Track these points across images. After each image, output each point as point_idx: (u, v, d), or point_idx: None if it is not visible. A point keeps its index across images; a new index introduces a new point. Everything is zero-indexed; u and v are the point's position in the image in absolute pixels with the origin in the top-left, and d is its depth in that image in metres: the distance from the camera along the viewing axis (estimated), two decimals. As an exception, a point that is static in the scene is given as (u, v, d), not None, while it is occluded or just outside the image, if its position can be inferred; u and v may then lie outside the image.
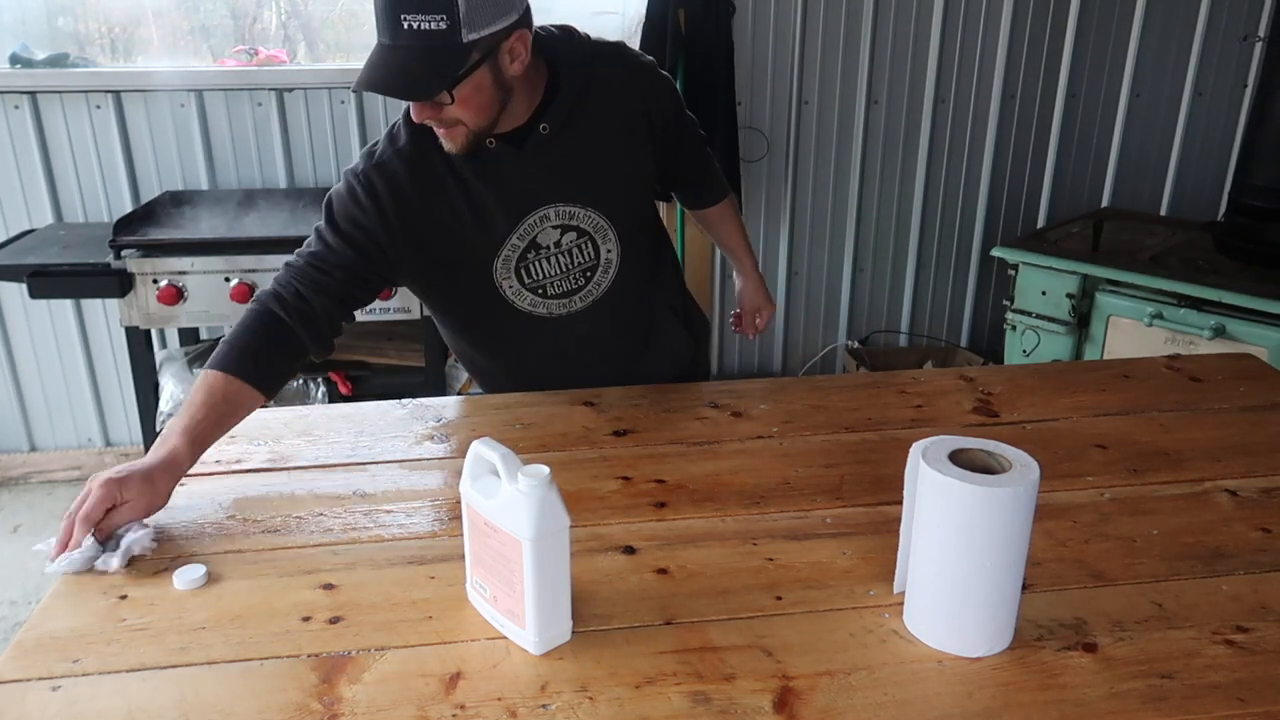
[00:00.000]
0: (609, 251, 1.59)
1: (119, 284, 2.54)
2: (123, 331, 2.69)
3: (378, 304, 2.65)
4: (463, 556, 1.09)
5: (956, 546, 0.98)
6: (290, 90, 3.10)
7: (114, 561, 1.16)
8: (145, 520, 1.22)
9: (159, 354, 2.94)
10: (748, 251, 1.92)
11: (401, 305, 2.66)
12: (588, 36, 1.57)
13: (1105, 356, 2.69)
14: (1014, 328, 2.89)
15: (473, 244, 1.53)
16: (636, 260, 1.64)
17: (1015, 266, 2.85)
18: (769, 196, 3.42)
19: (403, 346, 2.92)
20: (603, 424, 1.53)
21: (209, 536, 1.23)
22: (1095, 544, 1.20)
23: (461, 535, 1.08)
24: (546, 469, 0.98)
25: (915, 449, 1.03)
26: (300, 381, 2.82)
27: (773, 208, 3.44)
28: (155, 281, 2.57)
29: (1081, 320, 2.75)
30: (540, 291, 1.58)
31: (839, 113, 3.37)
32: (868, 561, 1.16)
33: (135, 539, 1.18)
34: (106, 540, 1.18)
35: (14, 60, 3.02)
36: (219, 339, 2.97)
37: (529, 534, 0.97)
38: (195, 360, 2.83)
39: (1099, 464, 1.40)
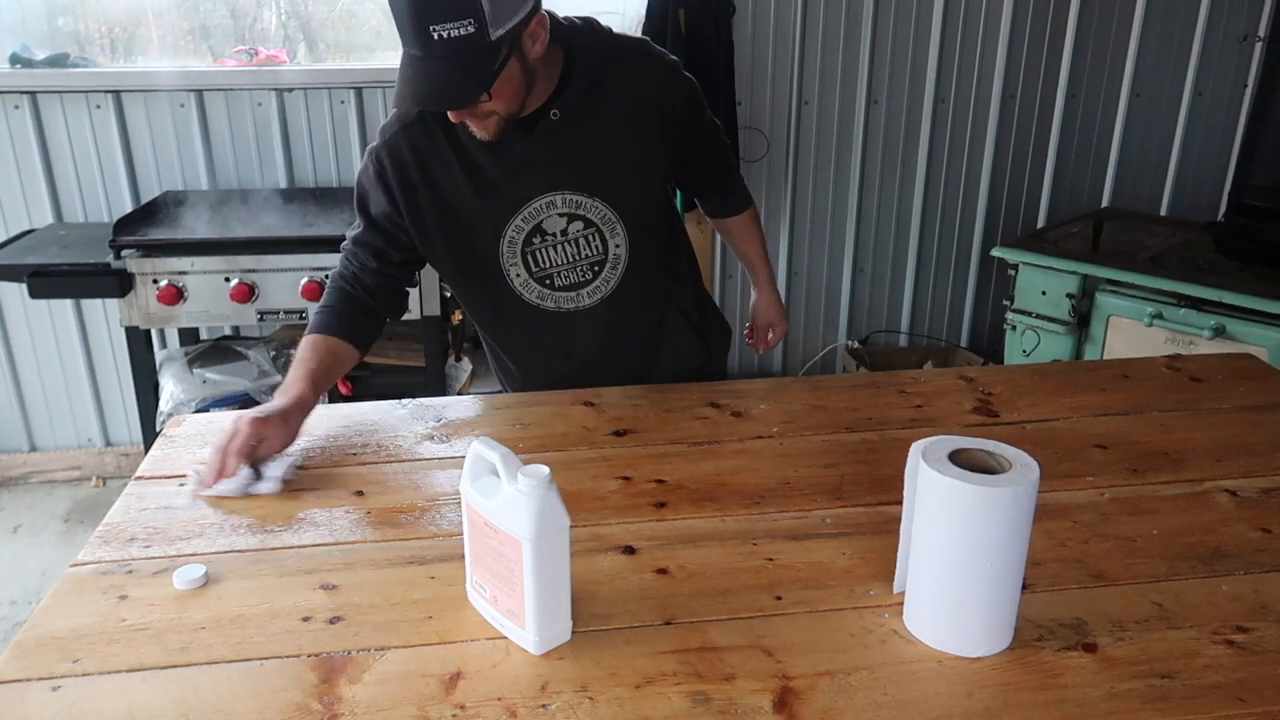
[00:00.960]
0: (617, 246, 1.59)
1: (119, 284, 2.54)
2: (123, 331, 2.69)
3: (378, 304, 2.65)
4: (463, 556, 1.09)
5: (956, 546, 0.98)
6: (290, 90, 3.10)
7: (266, 486, 1.32)
8: (285, 452, 1.40)
9: (159, 354, 2.93)
10: (765, 266, 1.92)
11: (401, 305, 2.66)
12: (609, 30, 1.58)
13: (1105, 356, 2.69)
14: (1014, 328, 2.89)
15: (476, 222, 1.55)
16: (647, 259, 1.63)
17: (1015, 266, 2.85)
18: (769, 196, 3.42)
19: (403, 346, 2.92)
20: (603, 424, 1.53)
21: (209, 536, 1.23)
22: (1095, 544, 1.20)
23: (461, 535, 1.08)
24: (546, 469, 0.98)
25: (915, 449, 1.03)
26: (300, 381, 2.81)
27: (773, 208, 3.44)
28: (155, 281, 2.57)
29: (1081, 320, 2.75)
30: (548, 282, 1.59)
31: (839, 113, 3.37)
32: (868, 561, 1.16)
33: (285, 467, 1.36)
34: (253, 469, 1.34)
35: (14, 60, 3.02)
36: (219, 339, 3.00)
37: (529, 534, 0.97)
38: (195, 360, 2.83)
39: (1099, 464, 1.40)
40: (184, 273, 2.58)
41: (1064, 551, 1.18)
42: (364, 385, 2.84)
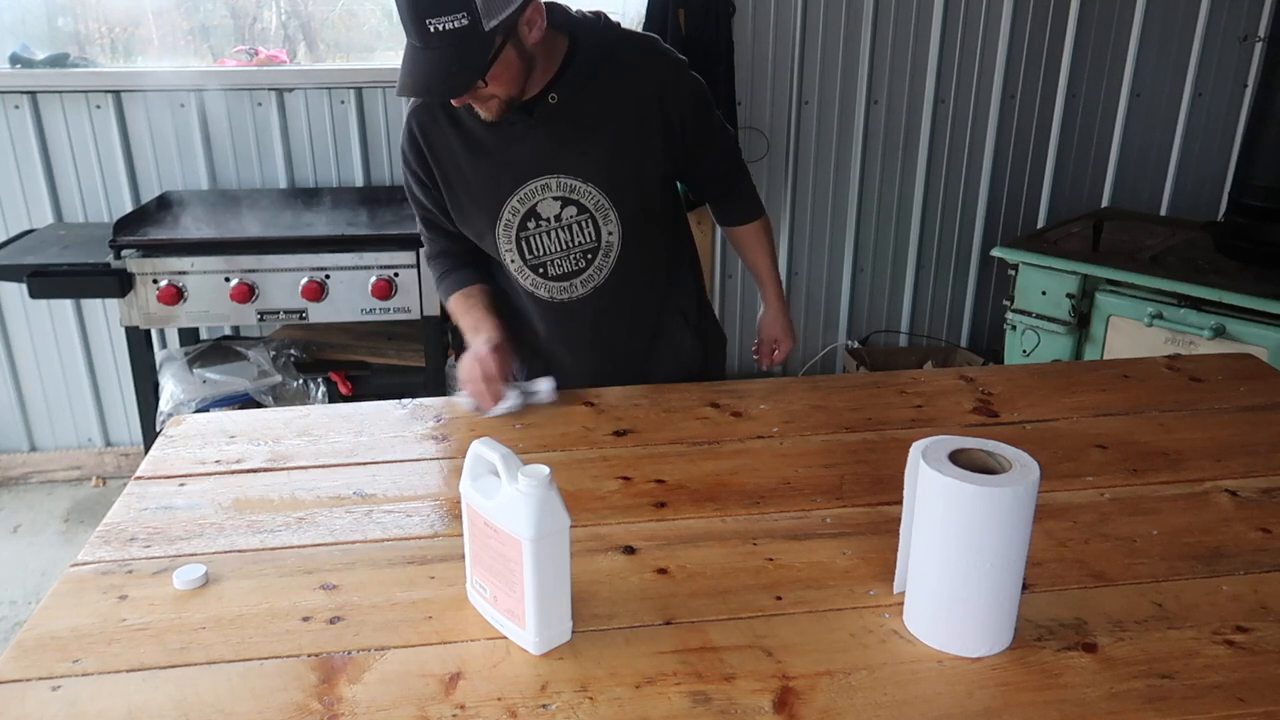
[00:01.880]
0: (610, 234, 1.60)
1: (119, 284, 2.54)
2: (123, 331, 2.69)
3: (377, 304, 2.65)
4: (463, 556, 1.09)
5: (956, 546, 0.98)
6: (290, 90, 3.10)
7: (544, 394, 1.58)
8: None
9: (159, 354, 2.93)
10: (774, 280, 1.88)
11: (402, 305, 2.67)
12: (618, 25, 1.61)
13: (1105, 356, 2.69)
14: (1014, 328, 2.89)
15: (475, 202, 1.60)
16: (641, 251, 1.64)
17: (1015, 266, 2.85)
18: (769, 196, 3.41)
19: (403, 346, 2.92)
20: (603, 424, 1.53)
21: (209, 536, 1.23)
22: (1095, 544, 1.20)
23: (461, 535, 1.08)
24: (546, 469, 0.98)
25: (915, 449, 1.03)
26: (300, 381, 2.82)
27: (773, 208, 3.43)
28: (155, 281, 2.57)
29: (1081, 320, 2.75)
30: (541, 270, 1.62)
31: (839, 113, 3.37)
32: (868, 561, 1.16)
33: (547, 383, 1.59)
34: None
35: (14, 60, 3.02)
36: (219, 339, 3.00)
37: (529, 534, 0.97)
38: (195, 360, 2.83)
39: (1099, 464, 1.40)
40: (184, 273, 2.58)
41: (1064, 551, 1.18)
42: (364, 385, 2.85)
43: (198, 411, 2.64)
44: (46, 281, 2.55)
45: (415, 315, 2.69)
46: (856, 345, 3.63)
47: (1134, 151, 3.53)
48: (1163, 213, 3.58)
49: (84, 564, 1.18)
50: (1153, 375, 1.71)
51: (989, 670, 0.99)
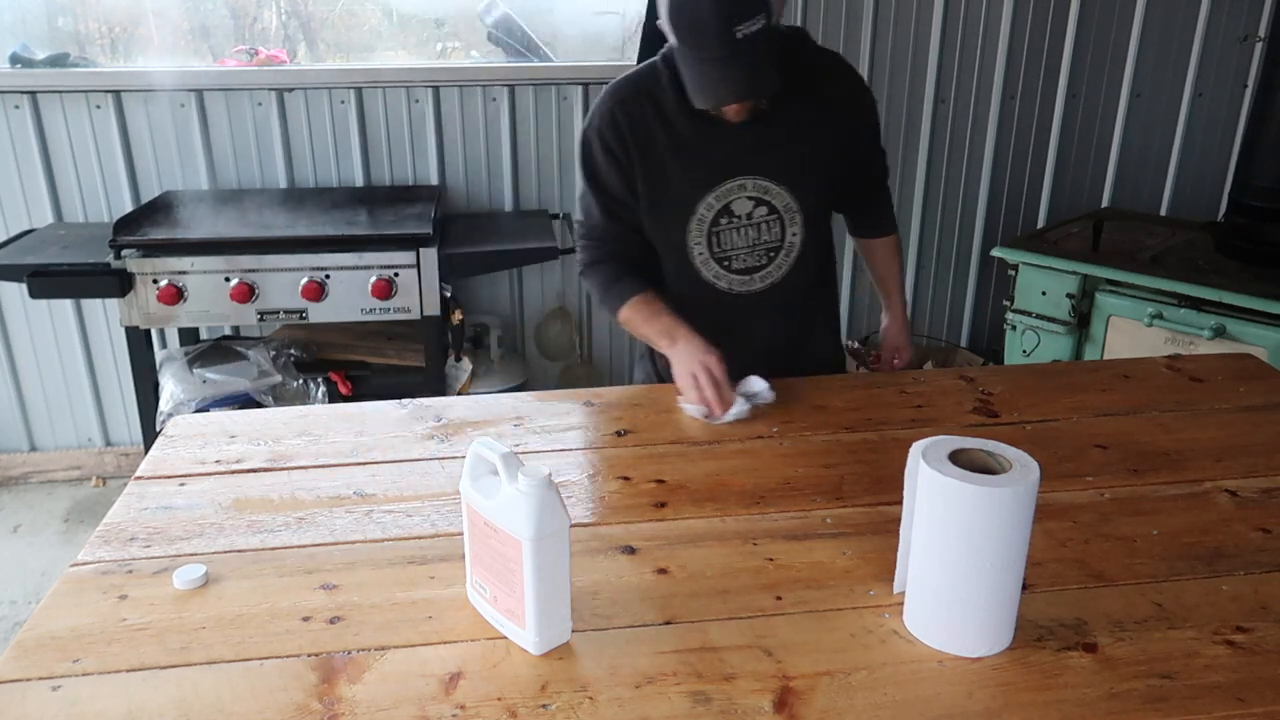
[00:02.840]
0: (794, 235, 1.68)
1: (119, 284, 2.54)
2: (123, 331, 2.69)
3: (377, 304, 2.65)
4: (463, 556, 1.09)
5: (956, 546, 0.98)
6: (290, 90, 3.10)
7: (765, 396, 1.55)
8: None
9: (159, 354, 2.93)
10: (900, 291, 1.98)
11: (402, 305, 2.67)
12: (814, 41, 1.71)
13: (1105, 356, 2.69)
14: (1014, 328, 2.89)
15: (674, 195, 1.64)
16: (812, 254, 1.73)
17: (1015, 266, 2.85)
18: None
19: (403, 346, 2.92)
20: (603, 424, 1.53)
21: (209, 536, 1.23)
22: (1095, 544, 1.20)
23: (461, 535, 1.08)
24: (546, 469, 0.98)
25: (915, 449, 1.03)
26: (300, 381, 2.82)
27: (773, 208, 3.43)
28: (155, 281, 2.57)
29: (1081, 320, 2.75)
30: (726, 263, 1.68)
31: (839, 113, 3.37)
32: (868, 561, 1.16)
33: (761, 384, 1.56)
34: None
35: (14, 60, 3.02)
36: (219, 339, 3.00)
37: (529, 534, 0.97)
38: (195, 360, 2.83)
39: (1099, 464, 1.40)
40: (184, 273, 2.58)
41: (1064, 551, 1.18)
42: (364, 385, 2.85)
43: (198, 411, 2.64)
44: (46, 281, 2.55)
45: (415, 315, 2.68)
46: (857, 345, 3.63)
47: (1134, 151, 3.53)
48: (1163, 213, 3.57)
49: (84, 564, 1.18)
50: (1153, 375, 1.71)
51: (989, 670, 0.99)
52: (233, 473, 1.39)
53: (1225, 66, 3.45)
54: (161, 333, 3.16)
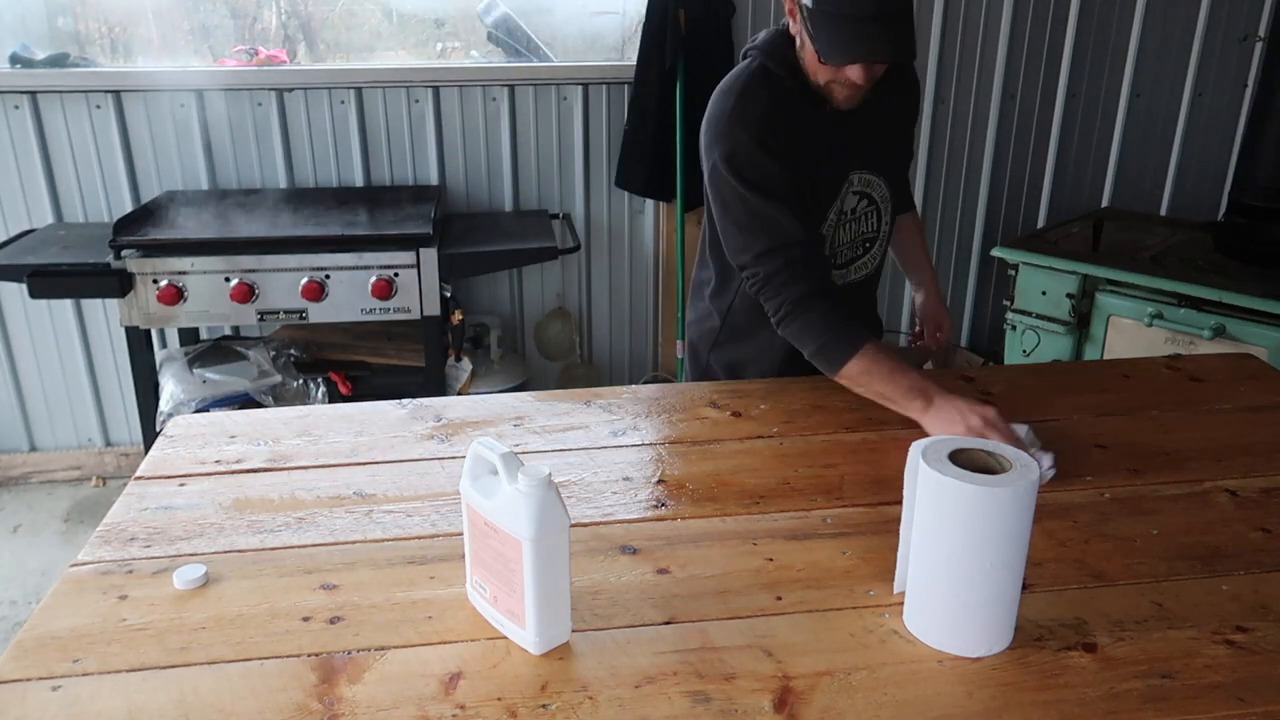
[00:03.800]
0: (885, 225, 1.70)
1: (119, 284, 2.54)
2: (123, 331, 2.69)
3: (377, 304, 2.65)
4: (463, 556, 1.09)
5: (956, 546, 0.98)
6: (290, 90, 3.10)
7: (1050, 471, 1.35)
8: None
9: (159, 354, 2.93)
10: (930, 266, 1.95)
11: (402, 305, 2.67)
12: None
13: (1105, 356, 2.69)
14: (1014, 328, 2.89)
15: (811, 193, 1.58)
16: (892, 241, 1.76)
17: (1015, 266, 2.85)
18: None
19: (403, 346, 2.92)
20: (603, 424, 1.53)
21: (209, 536, 1.23)
22: (1095, 544, 1.20)
23: (461, 535, 1.08)
24: (546, 469, 0.98)
25: (915, 449, 1.03)
26: (300, 381, 2.82)
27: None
28: (155, 281, 2.57)
29: (1081, 320, 2.74)
30: (834, 257, 1.67)
31: (839, 113, 3.37)
32: (868, 561, 1.16)
33: (1049, 459, 1.36)
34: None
35: (14, 60, 3.02)
36: (219, 339, 3.00)
37: (529, 534, 0.97)
38: (195, 360, 2.83)
39: (1099, 464, 1.40)
40: (184, 273, 2.58)
41: (1064, 551, 1.18)
42: (364, 385, 2.85)
43: (198, 411, 2.64)
44: (46, 281, 2.55)
45: (415, 315, 2.69)
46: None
47: (1134, 151, 3.53)
48: (1163, 213, 3.57)
49: (84, 564, 1.18)
50: (1153, 375, 1.71)
51: (989, 670, 0.99)
52: (233, 473, 1.39)
53: (1225, 66, 3.45)
54: (161, 333, 3.16)
